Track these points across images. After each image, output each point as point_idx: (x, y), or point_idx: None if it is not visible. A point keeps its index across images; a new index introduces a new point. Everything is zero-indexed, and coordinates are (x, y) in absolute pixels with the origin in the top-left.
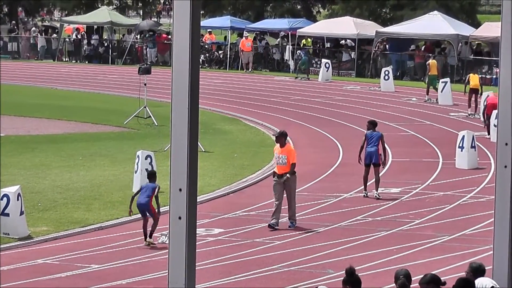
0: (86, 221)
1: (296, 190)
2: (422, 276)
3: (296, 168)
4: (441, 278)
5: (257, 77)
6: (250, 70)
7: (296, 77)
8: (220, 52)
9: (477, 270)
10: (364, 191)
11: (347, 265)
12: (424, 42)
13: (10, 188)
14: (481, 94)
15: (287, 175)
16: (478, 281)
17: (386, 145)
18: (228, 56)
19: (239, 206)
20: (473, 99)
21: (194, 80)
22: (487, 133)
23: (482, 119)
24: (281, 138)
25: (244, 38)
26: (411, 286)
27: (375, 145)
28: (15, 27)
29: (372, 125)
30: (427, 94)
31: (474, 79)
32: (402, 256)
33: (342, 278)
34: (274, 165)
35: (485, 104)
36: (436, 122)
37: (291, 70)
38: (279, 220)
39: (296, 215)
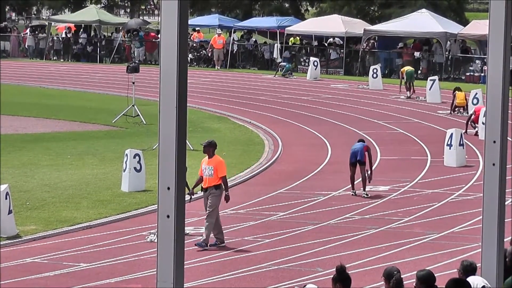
0: (75, 220)
1: (281, 190)
2: (415, 272)
3: (285, 166)
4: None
5: (245, 76)
6: (217, 67)
7: (275, 75)
8: (208, 50)
9: (468, 269)
10: (352, 190)
11: (336, 263)
12: (413, 40)
13: None
14: (467, 110)
15: (214, 189)
16: (469, 280)
17: (374, 144)
18: None
19: (227, 205)
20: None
21: (182, 79)
22: (464, 130)
23: (469, 123)
24: (209, 148)
25: (216, 35)
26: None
27: (359, 148)
28: (7, 27)
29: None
30: (413, 91)
31: (460, 97)
32: (391, 254)
33: (332, 276)
34: (262, 163)
35: (473, 111)
36: (424, 120)
37: (279, 68)
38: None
39: (285, 213)
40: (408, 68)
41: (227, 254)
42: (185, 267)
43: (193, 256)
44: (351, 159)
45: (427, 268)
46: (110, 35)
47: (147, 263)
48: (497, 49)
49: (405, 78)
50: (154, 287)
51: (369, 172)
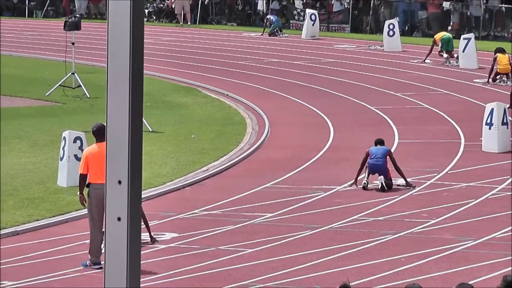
0: None
1: (268, 184)
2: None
3: (273, 153)
4: None
5: (221, 34)
6: (188, 23)
7: (263, 33)
8: (170, 1)
9: None
10: (365, 179)
11: (340, 279)
12: None
13: None
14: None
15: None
16: None
17: (391, 122)
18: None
19: (197, 203)
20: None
21: (137, 38)
22: (509, 105)
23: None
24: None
25: None
26: None
27: (381, 159)
28: None
29: (378, 142)
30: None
31: (503, 60)
32: (412, 267)
33: None
34: (244, 148)
35: None
36: (456, 91)
37: (265, 24)
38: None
39: (273, 214)
40: (443, 33)
41: (198, 268)
42: (141, 285)
43: (152, 271)
44: (369, 167)
45: (468, 282)
46: None
47: (93, 281)
48: None
49: (440, 47)
50: None
51: (404, 182)
